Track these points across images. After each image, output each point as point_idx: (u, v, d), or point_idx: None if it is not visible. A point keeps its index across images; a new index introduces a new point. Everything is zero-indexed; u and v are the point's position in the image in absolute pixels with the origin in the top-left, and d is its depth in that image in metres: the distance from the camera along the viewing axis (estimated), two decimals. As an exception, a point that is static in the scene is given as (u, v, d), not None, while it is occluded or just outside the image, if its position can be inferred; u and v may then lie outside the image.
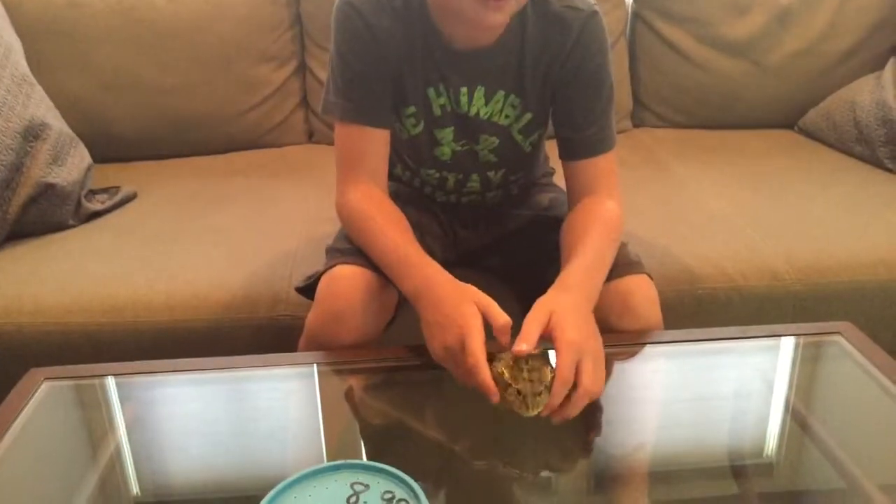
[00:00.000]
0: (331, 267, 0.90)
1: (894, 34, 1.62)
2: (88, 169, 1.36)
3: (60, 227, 1.26)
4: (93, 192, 1.36)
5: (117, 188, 1.39)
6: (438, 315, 0.76)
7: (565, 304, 0.75)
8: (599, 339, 0.76)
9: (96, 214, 1.31)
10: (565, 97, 0.94)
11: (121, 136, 1.57)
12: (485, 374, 0.70)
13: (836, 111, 1.59)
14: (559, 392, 0.69)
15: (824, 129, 1.61)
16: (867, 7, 1.64)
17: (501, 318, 0.74)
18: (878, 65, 1.61)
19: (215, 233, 1.23)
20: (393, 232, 0.88)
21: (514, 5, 0.83)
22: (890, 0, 1.63)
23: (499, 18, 0.83)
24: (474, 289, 0.78)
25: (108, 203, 1.33)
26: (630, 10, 1.72)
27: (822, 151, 1.58)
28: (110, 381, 0.85)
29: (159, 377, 0.84)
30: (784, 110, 1.69)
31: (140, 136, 1.58)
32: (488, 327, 0.74)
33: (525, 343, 0.70)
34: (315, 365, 0.87)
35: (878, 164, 1.46)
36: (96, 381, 0.85)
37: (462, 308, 0.74)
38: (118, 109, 1.55)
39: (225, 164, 1.56)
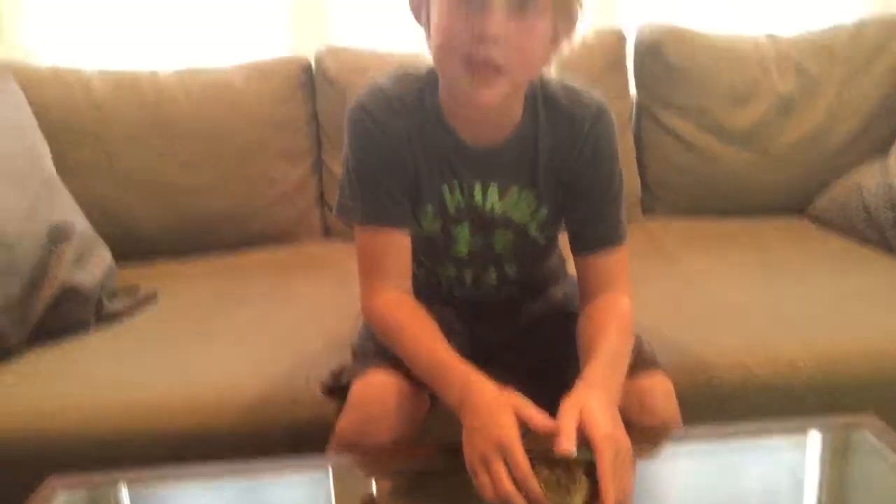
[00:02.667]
0: (363, 371, 0.90)
1: (895, 118, 1.65)
2: (110, 269, 1.38)
3: (81, 328, 1.28)
4: (114, 293, 1.37)
5: (137, 287, 1.40)
6: (477, 422, 0.76)
7: (594, 401, 0.75)
8: (627, 436, 0.75)
9: (117, 315, 1.33)
10: (577, 193, 0.96)
11: (142, 236, 1.60)
12: (533, 484, 0.69)
13: (844, 196, 1.61)
14: (608, 489, 0.68)
15: (833, 214, 1.62)
16: (865, 94, 1.68)
17: (545, 422, 0.74)
18: (882, 149, 1.64)
19: (233, 334, 1.25)
20: (428, 340, 0.88)
21: (509, 82, 0.84)
22: (887, 88, 1.67)
23: (490, 95, 0.83)
24: (516, 395, 0.77)
25: (129, 303, 1.35)
26: (634, 100, 1.77)
27: (831, 238, 1.58)
28: (124, 490, 0.84)
29: (177, 484, 0.84)
30: (792, 197, 1.70)
31: (161, 235, 1.61)
32: None
33: (567, 441, 0.70)
34: (330, 469, 0.86)
35: (888, 249, 1.47)
36: (111, 489, 0.84)
37: (501, 418, 0.74)
38: (140, 209, 1.59)
39: (242, 263, 1.59)
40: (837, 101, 1.68)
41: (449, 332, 0.91)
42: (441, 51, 0.84)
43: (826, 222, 1.64)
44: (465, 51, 0.81)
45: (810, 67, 1.69)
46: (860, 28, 1.72)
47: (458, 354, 0.85)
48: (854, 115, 1.68)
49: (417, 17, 0.89)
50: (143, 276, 1.47)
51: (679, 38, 1.70)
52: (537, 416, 0.74)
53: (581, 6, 0.86)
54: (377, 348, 0.93)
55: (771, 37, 1.75)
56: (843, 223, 1.59)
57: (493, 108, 0.88)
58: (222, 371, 1.13)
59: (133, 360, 1.18)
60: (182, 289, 1.45)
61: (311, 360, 1.13)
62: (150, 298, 1.40)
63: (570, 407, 0.74)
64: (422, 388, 0.89)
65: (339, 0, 1.96)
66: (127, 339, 1.26)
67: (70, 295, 1.26)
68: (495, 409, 0.75)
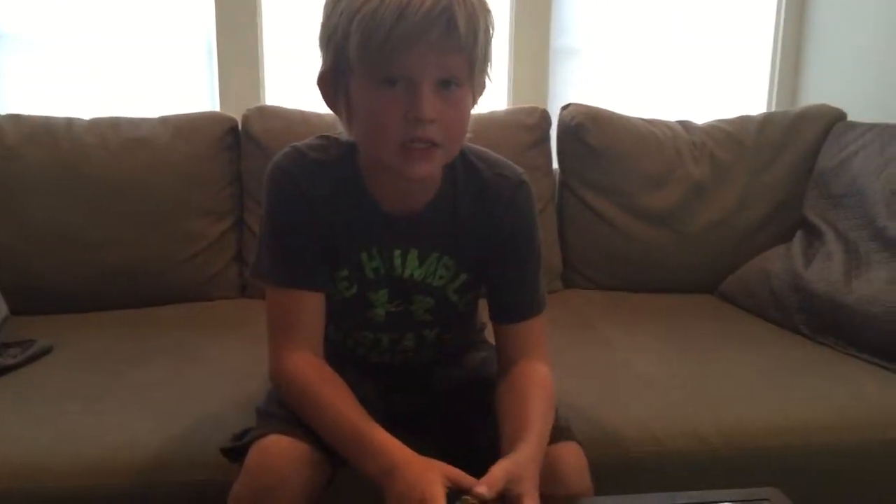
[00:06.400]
0: (262, 436, 0.86)
1: (799, 210, 1.74)
2: (4, 321, 1.31)
3: (-36, 381, 1.19)
4: (5, 346, 1.29)
5: (32, 341, 1.32)
6: (402, 485, 0.76)
7: (531, 475, 0.78)
8: None
9: (6, 370, 1.24)
10: (496, 262, 0.97)
11: (45, 288, 1.52)
12: None
13: (752, 279, 1.67)
14: None
15: (742, 295, 1.68)
16: (771, 185, 1.78)
17: (480, 485, 0.75)
18: (787, 236, 1.72)
19: (132, 390, 1.18)
20: (342, 406, 0.86)
21: (443, 155, 0.86)
22: (791, 181, 1.78)
23: (426, 169, 0.85)
24: (441, 463, 0.78)
25: (20, 357, 1.27)
26: (557, 178, 1.82)
27: (741, 316, 1.63)
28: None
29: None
30: (703, 276, 1.76)
31: (65, 288, 1.54)
32: None
33: (487, 487, 0.73)
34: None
35: (794, 329, 1.52)
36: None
37: (426, 475, 0.75)
38: (45, 261, 1.52)
39: (152, 318, 1.53)
40: (747, 189, 1.77)
41: (362, 399, 0.88)
42: (373, 136, 0.85)
43: (735, 301, 1.70)
44: (400, 134, 0.82)
45: (722, 156, 1.79)
46: (766, 122, 1.83)
47: (377, 424, 0.84)
48: (762, 202, 1.77)
49: (332, 106, 0.90)
50: (43, 330, 1.40)
51: (599, 120, 1.77)
52: (465, 477, 0.76)
53: (489, 74, 0.89)
54: (281, 413, 0.90)
55: (684, 124, 1.85)
56: (750, 303, 1.65)
57: (426, 180, 0.89)
58: (114, 429, 1.06)
59: (15, 416, 1.09)
60: (82, 343, 1.37)
61: (212, 420, 1.08)
62: (45, 352, 1.32)
63: (510, 466, 0.77)
64: (324, 456, 0.86)
65: (274, 60, 1.99)
66: (12, 393, 1.17)
67: (-46, 345, 1.18)
68: (421, 469, 0.77)
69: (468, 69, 0.84)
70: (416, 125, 0.81)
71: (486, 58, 0.86)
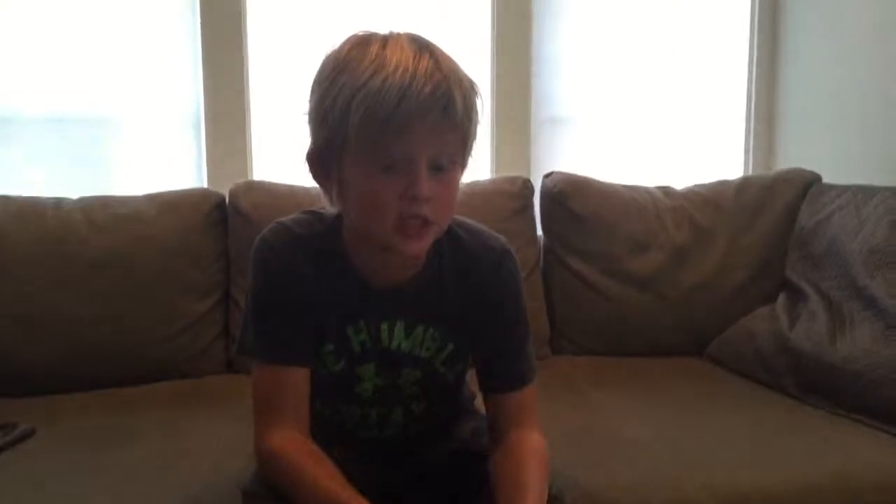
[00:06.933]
0: None
1: (781, 271, 1.77)
2: (-15, 404, 1.29)
3: (-57, 468, 1.16)
4: (-14, 430, 1.27)
5: (15, 424, 1.30)
6: None
7: None
8: None
9: (-12, 454, 1.22)
10: (483, 333, 0.97)
11: (27, 369, 1.50)
12: None
13: (738, 341, 1.68)
14: None
15: (729, 357, 1.69)
16: (752, 247, 1.80)
17: None
18: (770, 297, 1.74)
19: (115, 472, 1.16)
20: (328, 483, 0.84)
21: (436, 231, 0.87)
22: (771, 243, 1.80)
23: (420, 246, 0.86)
24: None
25: (1, 442, 1.24)
26: (542, 245, 1.84)
27: (729, 379, 1.63)
28: None
29: None
30: (690, 339, 1.77)
31: (48, 368, 1.51)
32: None
33: None
34: None
35: (783, 391, 1.52)
36: None
37: None
38: (28, 341, 1.50)
39: (137, 396, 1.50)
40: (727, 251, 1.80)
41: (350, 475, 0.87)
42: (368, 212, 0.86)
43: (722, 363, 1.70)
44: (396, 211, 0.83)
45: (701, 220, 1.82)
46: (743, 186, 1.88)
47: (362, 497, 0.82)
48: (743, 264, 1.79)
49: (322, 182, 0.90)
50: (25, 411, 1.37)
51: (581, 188, 1.80)
52: None
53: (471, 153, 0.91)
54: (267, 493, 0.88)
55: (664, 189, 1.89)
56: (738, 366, 1.65)
57: (417, 256, 0.90)
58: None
59: (-5, 503, 1.07)
60: (66, 424, 1.35)
61: (198, 501, 1.06)
62: (28, 435, 1.29)
63: None
64: None
65: (261, 134, 2.02)
66: (-7, 478, 1.15)
67: (-67, 431, 1.15)
68: None
69: (461, 148, 0.86)
70: (411, 203, 0.83)
71: (475, 136, 0.88)
